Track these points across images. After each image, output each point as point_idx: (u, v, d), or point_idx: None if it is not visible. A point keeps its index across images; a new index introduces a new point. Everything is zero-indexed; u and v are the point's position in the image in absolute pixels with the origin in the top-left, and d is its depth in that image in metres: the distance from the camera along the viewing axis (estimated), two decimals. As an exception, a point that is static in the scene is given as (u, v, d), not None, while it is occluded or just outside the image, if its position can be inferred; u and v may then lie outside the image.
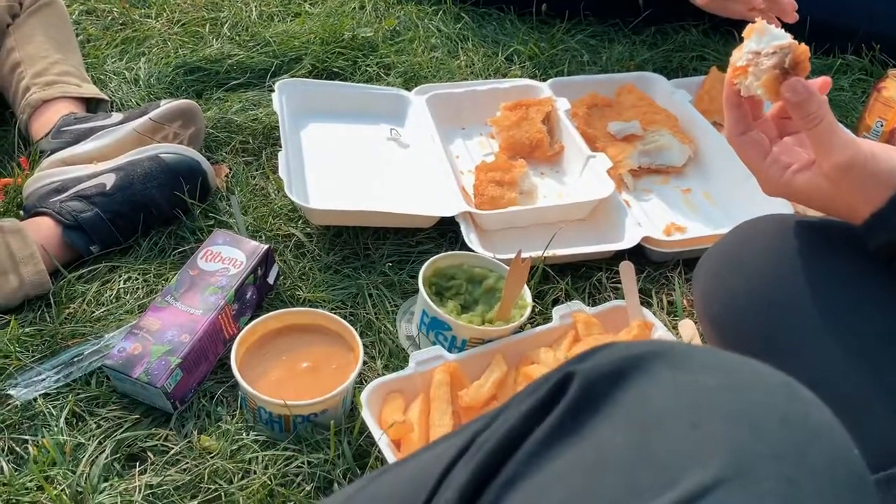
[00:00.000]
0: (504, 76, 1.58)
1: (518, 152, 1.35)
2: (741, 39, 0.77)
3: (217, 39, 1.59)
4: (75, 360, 0.96)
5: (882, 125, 1.34)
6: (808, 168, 0.74)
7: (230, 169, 1.28)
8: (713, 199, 1.28)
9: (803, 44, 0.74)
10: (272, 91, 1.36)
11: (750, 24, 0.76)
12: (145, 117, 1.23)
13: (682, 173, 1.34)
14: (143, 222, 1.13)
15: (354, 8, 1.77)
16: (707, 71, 1.52)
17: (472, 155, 1.38)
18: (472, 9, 1.79)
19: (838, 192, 0.73)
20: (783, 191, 0.77)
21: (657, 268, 1.15)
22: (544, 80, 1.51)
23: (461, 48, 1.66)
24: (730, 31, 1.72)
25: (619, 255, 1.13)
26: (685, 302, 1.08)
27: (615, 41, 1.71)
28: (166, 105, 1.25)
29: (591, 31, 1.75)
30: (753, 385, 0.44)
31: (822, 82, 0.75)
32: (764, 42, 0.75)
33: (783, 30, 0.75)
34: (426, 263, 0.99)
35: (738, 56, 0.76)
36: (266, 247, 1.03)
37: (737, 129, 0.78)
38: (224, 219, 1.16)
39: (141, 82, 1.45)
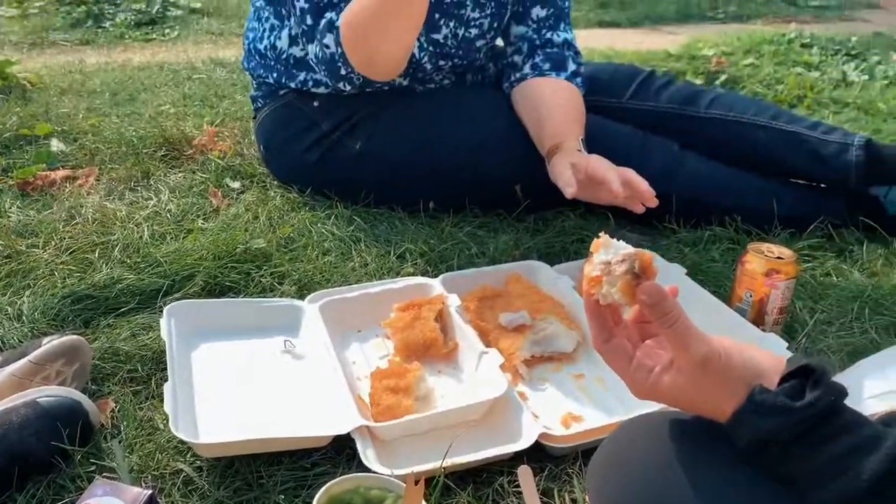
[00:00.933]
0: (397, 274, 1.62)
1: (413, 353, 1.36)
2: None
3: (107, 264, 1.59)
4: None
5: (751, 296, 1.43)
6: (669, 369, 0.78)
7: (116, 403, 1.23)
8: (605, 384, 1.31)
9: (647, 251, 0.81)
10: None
11: (596, 240, 0.83)
12: (25, 360, 1.19)
13: (574, 359, 1.38)
14: (19, 475, 1.06)
15: (248, 219, 1.82)
16: (587, 253, 1.60)
17: (369, 358, 1.39)
18: (363, 210, 1.87)
19: (699, 390, 0.77)
20: (650, 393, 0.80)
21: (557, 463, 1.15)
22: (436, 274, 1.56)
23: (354, 250, 1.70)
24: (605, 213, 1.84)
25: (520, 455, 1.12)
26: (586, 499, 1.08)
27: (500, 230, 1.80)
28: (48, 343, 1.22)
29: (478, 222, 1.84)
30: None
31: (671, 288, 0.81)
32: (611, 253, 0.82)
33: (624, 243, 0.82)
34: (319, 493, 0.96)
35: (591, 268, 0.82)
36: (149, 493, 0.98)
37: (600, 336, 0.83)
38: (107, 463, 1.11)
39: (24, 318, 1.42)
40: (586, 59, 1.98)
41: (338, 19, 1.57)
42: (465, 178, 1.81)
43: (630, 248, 0.81)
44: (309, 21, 1.63)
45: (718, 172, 1.81)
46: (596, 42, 4.25)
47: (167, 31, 4.32)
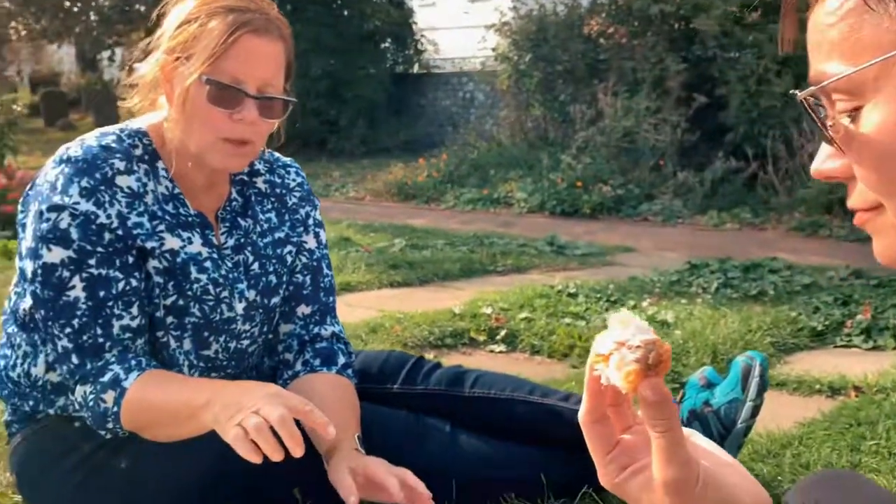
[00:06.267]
0: None
1: None
2: None
3: None
4: None
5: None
6: (640, 473, 0.76)
7: None
8: None
9: (667, 343, 0.75)
10: None
11: (614, 314, 0.77)
12: None
13: None
14: None
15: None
16: None
17: None
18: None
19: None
20: (616, 488, 0.79)
21: None
22: None
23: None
24: None
25: None
26: None
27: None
28: None
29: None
30: None
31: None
32: (629, 333, 0.75)
33: (647, 324, 0.76)
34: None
35: (602, 344, 0.76)
36: None
37: (590, 415, 0.79)
38: None
39: None
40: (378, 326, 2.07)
41: (126, 379, 1.59)
42: (237, 485, 1.76)
43: (650, 335, 0.74)
44: (75, 360, 1.61)
45: (487, 448, 1.91)
46: (387, 303, 4.49)
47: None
